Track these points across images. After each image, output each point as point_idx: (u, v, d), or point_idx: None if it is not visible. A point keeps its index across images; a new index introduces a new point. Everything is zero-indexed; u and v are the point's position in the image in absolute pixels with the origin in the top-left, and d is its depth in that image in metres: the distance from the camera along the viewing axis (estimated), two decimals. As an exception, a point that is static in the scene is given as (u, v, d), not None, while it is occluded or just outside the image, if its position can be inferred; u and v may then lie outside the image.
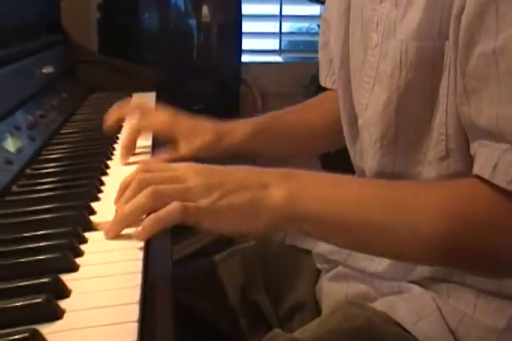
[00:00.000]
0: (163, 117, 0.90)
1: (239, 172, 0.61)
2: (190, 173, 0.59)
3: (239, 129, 0.91)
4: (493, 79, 0.53)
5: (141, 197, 0.56)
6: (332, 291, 0.80)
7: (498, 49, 0.53)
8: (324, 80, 0.97)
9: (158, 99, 1.31)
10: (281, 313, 0.86)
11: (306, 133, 0.98)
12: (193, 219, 0.56)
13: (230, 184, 0.58)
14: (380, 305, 0.70)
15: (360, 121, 0.76)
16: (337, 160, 1.02)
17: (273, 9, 2.44)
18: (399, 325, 0.67)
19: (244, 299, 0.87)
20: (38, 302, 0.43)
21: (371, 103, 0.72)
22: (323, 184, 0.61)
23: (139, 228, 0.55)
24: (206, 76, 2.06)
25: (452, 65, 0.60)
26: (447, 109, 0.62)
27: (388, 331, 0.66)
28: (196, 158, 0.86)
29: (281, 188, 0.58)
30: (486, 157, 0.55)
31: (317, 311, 0.84)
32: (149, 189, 0.56)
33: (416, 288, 0.71)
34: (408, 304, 0.69)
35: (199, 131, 0.89)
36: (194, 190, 0.57)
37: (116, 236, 0.57)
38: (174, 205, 0.55)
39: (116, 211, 0.59)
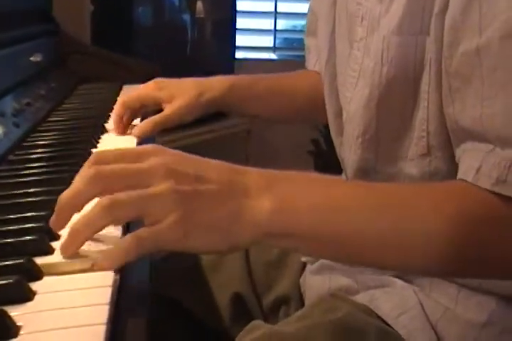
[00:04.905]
0: (147, 84, 0.94)
1: (214, 173, 0.50)
2: (158, 171, 0.48)
3: (217, 83, 0.93)
4: (477, 77, 0.52)
5: (95, 213, 0.47)
6: (315, 284, 0.79)
7: (482, 47, 0.52)
8: (313, 65, 0.97)
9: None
10: (265, 306, 0.86)
11: (287, 97, 0.99)
12: (153, 245, 0.47)
13: (207, 193, 0.48)
14: (362, 298, 0.70)
15: (344, 115, 0.76)
16: (330, 158, 1.02)
17: (268, 6, 2.44)
18: (380, 319, 0.67)
19: (228, 292, 0.86)
20: (8, 283, 0.42)
21: (355, 97, 0.72)
22: (313, 191, 0.53)
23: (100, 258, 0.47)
24: (199, 71, 2.04)
25: (433, 62, 0.60)
26: (428, 106, 0.62)
27: (369, 324, 0.66)
28: (180, 118, 0.91)
29: (264, 197, 0.49)
30: (469, 161, 0.54)
31: (302, 304, 0.83)
32: (103, 202, 0.46)
33: (399, 282, 0.70)
34: (390, 298, 0.68)
35: (182, 89, 0.92)
36: (161, 200, 0.47)
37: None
38: (126, 242, 0.46)
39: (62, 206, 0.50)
